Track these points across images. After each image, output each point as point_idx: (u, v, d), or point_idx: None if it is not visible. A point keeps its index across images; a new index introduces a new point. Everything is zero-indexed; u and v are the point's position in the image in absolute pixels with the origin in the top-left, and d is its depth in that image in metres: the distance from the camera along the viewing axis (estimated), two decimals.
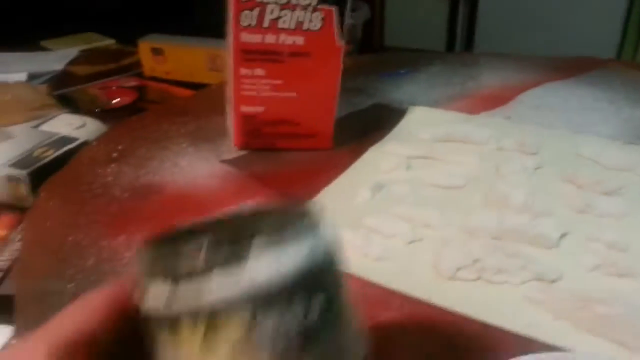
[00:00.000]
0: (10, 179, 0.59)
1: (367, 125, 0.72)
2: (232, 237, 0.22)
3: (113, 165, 0.62)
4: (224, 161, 0.64)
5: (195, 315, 0.21)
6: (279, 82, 0.61)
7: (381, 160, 0.63)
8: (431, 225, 0.53)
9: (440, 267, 0.47)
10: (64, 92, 0.86)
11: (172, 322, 0.22)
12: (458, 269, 0.47)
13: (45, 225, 0.51)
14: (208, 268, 0.21)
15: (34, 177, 0.58)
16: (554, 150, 0.65)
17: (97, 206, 0.54)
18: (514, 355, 0.40)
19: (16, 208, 0.60)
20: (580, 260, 0.48)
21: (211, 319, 0.21)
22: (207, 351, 0.21)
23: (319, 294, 0.23)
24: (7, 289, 0.50)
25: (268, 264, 0.21)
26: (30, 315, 0.42)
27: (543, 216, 0.52)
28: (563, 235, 0.51)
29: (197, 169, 0.62)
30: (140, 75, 0.96)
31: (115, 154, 0.64)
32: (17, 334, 0.41)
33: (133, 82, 0.93)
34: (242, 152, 0.66)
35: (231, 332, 0.21)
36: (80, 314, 0.23)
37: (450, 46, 2.59)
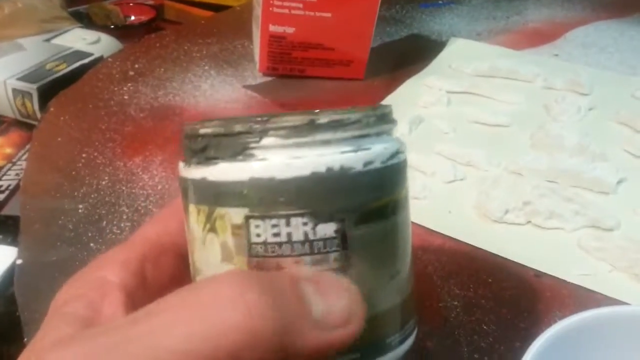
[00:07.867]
0: (18, 93, 0.54)
1: (403, 57, 0.66)
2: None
3: (130, 84, 0.57)
4: (247, 86, 0.59)
5: (200, 195, 0.21)
6: None
7: (419, 93, 0.57)
8: (474, 164, 0.48)
9: (486, 209, 0.43)
10: (78, 9, 0.80)
11: (185, 194, 0.22)
12: (506, 212, 0.43)
13: (55, 141, 0.47)
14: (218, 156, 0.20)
15: (44, 92, 0.54)
16: (608, 91, 0.59)
17: (112, 124, 0.50)
18: (566, 304, 0.37)
19: (24, 125, 0.56)
20: None
21: (214, 201, 0.20)
22: (208, 231, 0.21)
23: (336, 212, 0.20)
24: (12, 209, 0.47)
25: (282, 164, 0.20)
26: (35, 236, 0.39)
27: (599, 160, 0.48)
28: (620, 181, 0.46)
29: (219, 93, 0.58)
30: None
31: (132, 73, 0.59)
32: (22, 256, 0.37)
33: (150, 1, 0.87)
34: (267, 78, 0.61)
35: (230, 219, 0.20)
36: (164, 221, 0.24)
37: None
